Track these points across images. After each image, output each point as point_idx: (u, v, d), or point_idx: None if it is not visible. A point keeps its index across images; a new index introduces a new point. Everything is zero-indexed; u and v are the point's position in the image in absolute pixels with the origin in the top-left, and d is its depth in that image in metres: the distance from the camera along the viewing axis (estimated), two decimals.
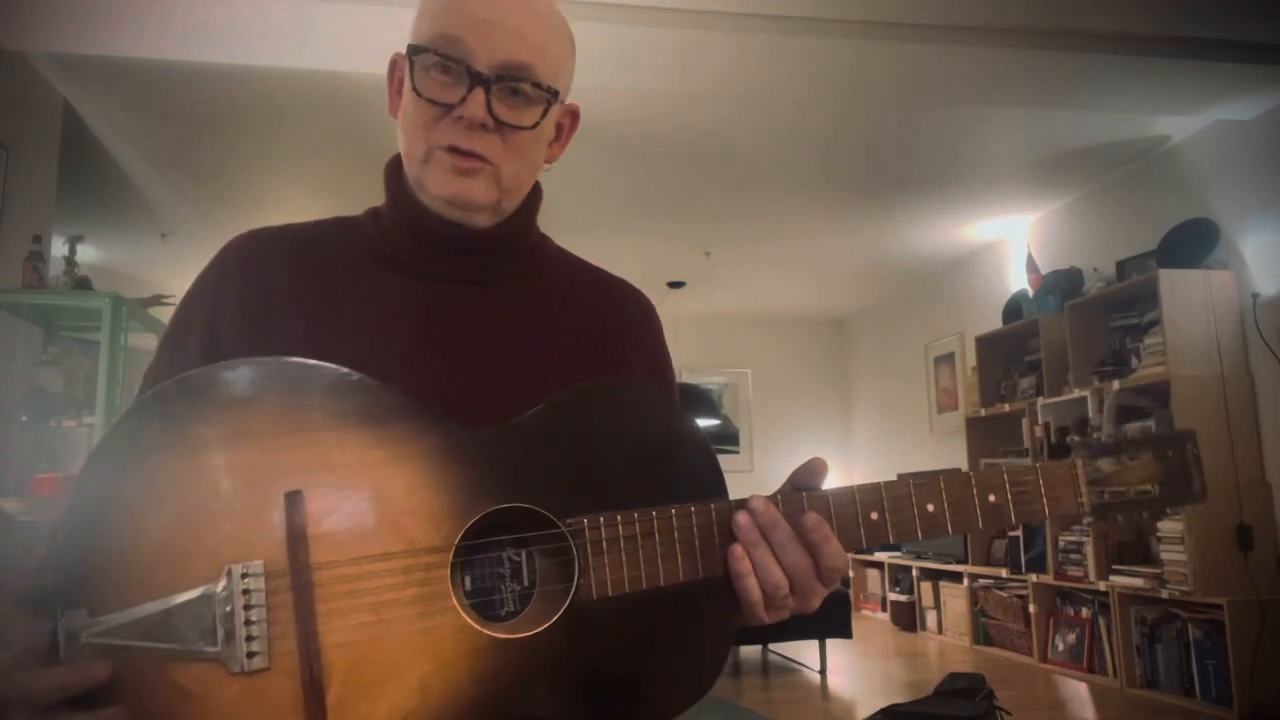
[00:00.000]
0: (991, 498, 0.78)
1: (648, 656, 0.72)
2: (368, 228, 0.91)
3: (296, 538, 0.66)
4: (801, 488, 0.77)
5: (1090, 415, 4.36)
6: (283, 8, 2.88)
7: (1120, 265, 4.42)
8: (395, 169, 0.90)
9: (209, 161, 4.42)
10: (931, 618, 5.76)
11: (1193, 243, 4.04)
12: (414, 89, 0.83)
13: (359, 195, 0.93)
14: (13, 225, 3.22)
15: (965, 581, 5.32)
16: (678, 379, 1.01)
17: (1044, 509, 0.79)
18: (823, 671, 4.44)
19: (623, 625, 0.72)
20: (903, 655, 5.18)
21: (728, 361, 7.68)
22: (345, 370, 0.72)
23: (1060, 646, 4.53)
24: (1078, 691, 4.11)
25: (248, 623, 0.64)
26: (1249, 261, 3.92)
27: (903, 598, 6.07)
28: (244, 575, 0.65)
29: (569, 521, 0.72)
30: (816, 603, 0.76)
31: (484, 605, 0.72)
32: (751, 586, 0.73)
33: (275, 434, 0.69)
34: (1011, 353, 5.34)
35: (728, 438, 7.70)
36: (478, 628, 0.69)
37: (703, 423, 7.25)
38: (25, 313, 3.26)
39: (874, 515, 0.76)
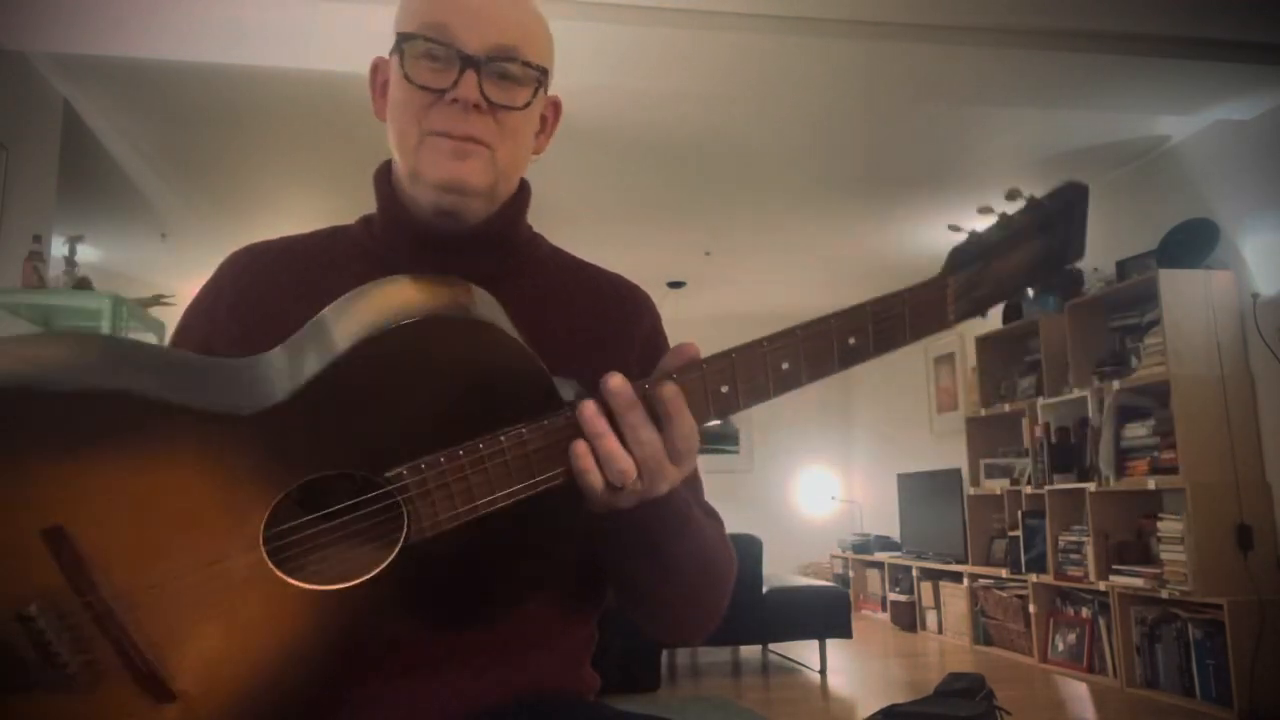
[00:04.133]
0: (852, 340, 0.72)
1: (492, 567, 0.71)
2: (360, 234, 0.93)
3: (66, 558, 0.62)
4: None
5: (1090, 415, 4.36)
6: (283, 8, 2.88)
7: (1120, 265, 4.42)
8: (384, 174, 0.91)
9: (209, 161, 4.42)
10: (931, 618, 5.76)
11: (1193, 243, 4.04)
12: (405, 76, 0.83)
13: (358, 195, 0.93)
14: (13, 225, 3.22)
15: (965, 581, 5.33)
16: None
17: (906, 337, 0.73)
18: (823, 671, 4.44)
19: (460, 550, 0.70)
20: (903, 655, 5.18)
21: None
22: (62, 374, 0.63)
23: (1060, 646, 4.53)
24: (1078, 691, 4.11)
25: (52, 655, 0.62)
26: (1249, 261, 3.92)
27: (903, 598, 6.07)
28: (28, 618, 0.61)
29: (388, 475, 0.67)
30: (665, 487, 0.71)
31: None
32: (594, 482, 0.68)
33: (7, 469, 0.62)
34: (1011, 353, 5.34)
35: (728, 438, 7.69)
36: (309, 587, 0.67)
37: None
38: (25, 313, 3.26)
39: (724, 389, 0.70)
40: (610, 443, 0.68)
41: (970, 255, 0.74)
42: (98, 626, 0.63)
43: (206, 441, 0.65)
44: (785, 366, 0.71)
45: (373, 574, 0.68)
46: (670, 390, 0.69)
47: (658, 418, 0.69)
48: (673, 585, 0.81)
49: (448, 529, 0.68)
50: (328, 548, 0.69)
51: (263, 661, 0.67)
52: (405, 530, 0.68)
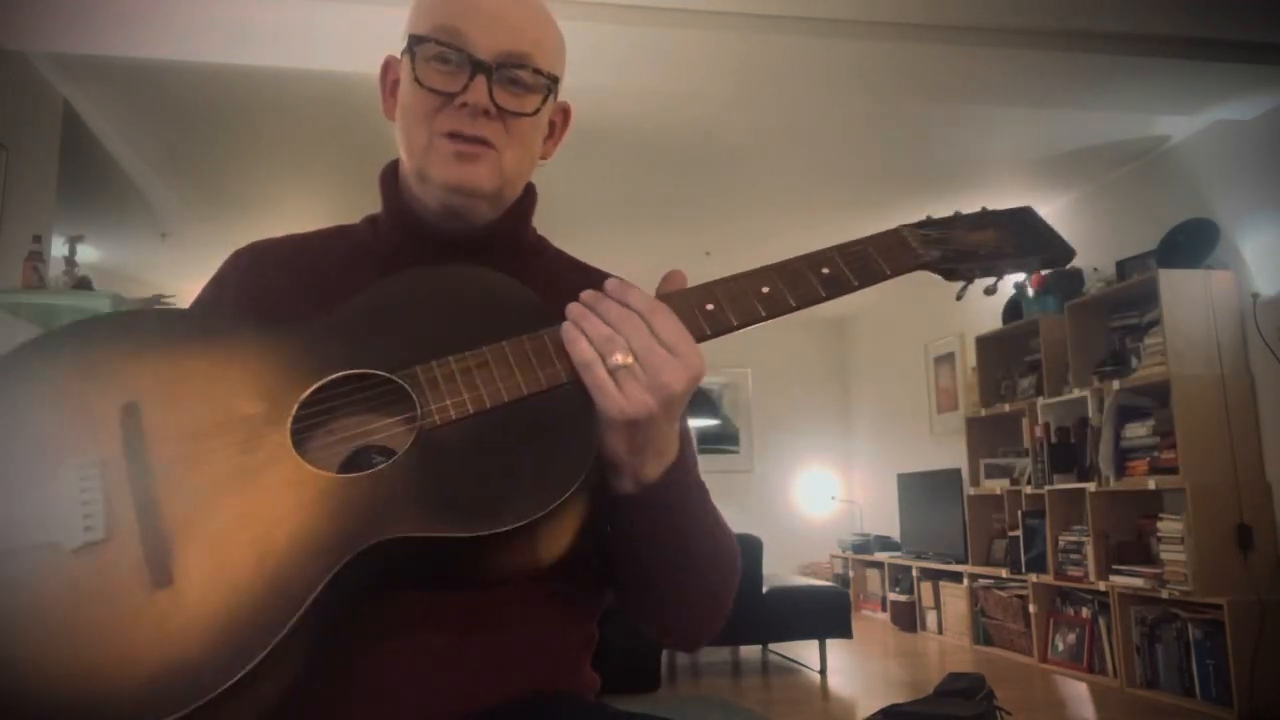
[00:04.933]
0: (825, 270, 0.78)
1: (507, 459, 0.72)
2: (364, 233, 0.93)
3: (131, 430, 0.71)
4: None
5: (1090, 415, 4.36)
6: (283, 8, 2.88)
7: (1120, 265, 4.42)
8: (390, 175, 0.92)
9: (209, 161, 4.42)
10: (931, 618, 5.76)
11: (1193, 243, 4.04)
12: (415, 79, 0.83)
13: (358, 195, 0.93)
14: (13, 225, 3.22)
15: (965, 581, 5.33)
16: None
17: (884, 269, 0.79)
18: (823, 671, 4.45)
19: (477, 440, 0.73)
20: (903, 655, 5.18)
21: (728, 361, 7.68)
22: (182, 310, 0.80)
23: (1060, 646, 4.53)
24: (1078, 691, 4.11)
25: (84, 502, 0.68)
26: (1249, 261, 3.92)
27: (903, 598, 6.07)
28: (80, 465, 0.70)
29: (402, 372, 0.74)
30: (670, 377, 0.72)
31: None
32: (583, 347, 0.72)
33: (113, 361, 0.75)
34: (1011, 353, 5.34)
35: (728, 438, 7.70)
36: (319, 471, 0.71)
37: (702, 422, 7.25)
38: (25, 313, 3.26)
39: (710, 306, 0.77)
40: (595, 321, 0.74)
41: (921, 224, 0.83)
42: (129, 476, 0.70)
43: (271, 344, 0.77)
44: (766, 290, 0.78)
45: (388, 463, 0.71)
46: (612, 281, 0.76)
47: (616, 299, 0.75)
48: (688, 573, 0.81)
49: (458, 418, 0.73)
50: (349, 441, 0.75)
51: (268, 553, 0.67)
52: (419, 414, 0.72)
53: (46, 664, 0.63)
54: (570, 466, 0.71)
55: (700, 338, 0.76)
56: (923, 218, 0.85)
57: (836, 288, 0.78)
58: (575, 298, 0.92)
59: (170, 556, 0.67)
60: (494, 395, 0.73)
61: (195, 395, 0.74)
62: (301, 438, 0.73)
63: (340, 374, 0.74)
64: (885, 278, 0.79)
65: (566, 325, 0.74)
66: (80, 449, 0.71)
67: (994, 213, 0.83)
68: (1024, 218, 0.83)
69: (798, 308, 0.77)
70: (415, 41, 0.84)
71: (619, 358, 0.72)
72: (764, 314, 0.77)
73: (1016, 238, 0.82)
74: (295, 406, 0.73)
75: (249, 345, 0.77)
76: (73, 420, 0.73)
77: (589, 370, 0.72)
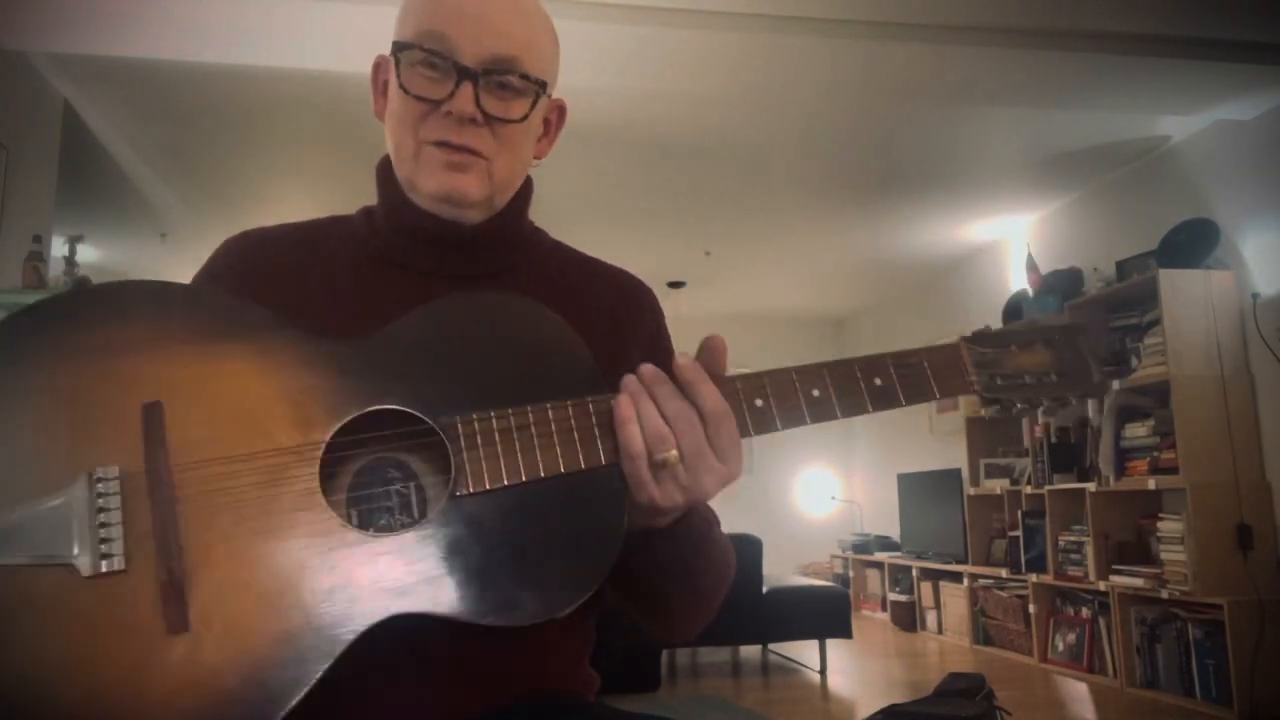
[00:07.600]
0: (878, 381, 0.77)
1: (533, 547, 0.71)
2: (361, 226, 0.92)
3: (153, 442, 0.67)
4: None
5: (1090, 415, 4.36)
6: (283, 8, 2.88)
7: (1120, 265, 4.42)
8: (386, 167, 0.90)
9: (209, 161, 4.42)
10: (931, 618, 5.76)
11: (1193, 243, 4.04)
12: (401, 86, 0.83)
13: (358, 195, 0.93)
14: (13, 225, 3.22)
15: (965, 581, 5.32)
16: None
17: (933, 390, 0.78)
18: (823, 671, 4.44)
19: (506, 517, 0.70)
20: (903, 655, 5.18)
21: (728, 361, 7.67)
22: (209, 290, 0.74)
23: (1060, 646, 4.53)
24: (1078, 691, 4.11)
25: (103, 525, 0.64)
26: (1249, 261, 3.92)
27: (903, 598, 6.07)
28: (99, 479, 0.65)
29: (441, 420, 0.71)
30: (709, 482, 0.73)
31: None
32: (634, 435, 0.71)
33: (135, 348, 0.70)
34: None
35: None
36: (348, 527, 0.69)
37: None
38: None
39: (759, 402, 0.76)
40: (651, 410, 0.72)
41: (978, 336, 0.81)
42: (150, 502, 0.65)
43: (307, 358, 0.72)
44: (815, 393, 0.77)
45: (414, 527, 0.69)
46: (684, 360, 0.74)
47: (683, 382, 0.73)
48: (692, 596, 0.83)
49: (494, 489, 0.70)
50: (378, 493, 0.73)
51: (285, 616, 0.66)
52: (453, 478, 0.70)
53: (56, 694, 0.62)
54: (598, 560, 0.71)
55: (743, 435, 0.74)
56: (979, 328, 0.83)
57: (884, 402, 0.77)
58: (575, 294, 0.91)
59: (186, 600, 0.64)
60: (531, 469, 0.71)
61: (226, 408, 0.70)
62: (329, 465, 0.70)
63: (377, 408, 0.72)
64: (932, 399, 0.79)
65: (622, 402, 0.72)
66: (100, 451, 0.66)
67: (1046, 327, 0.82)
68: (1074, 336, 0.82)
69: (842, 417, 0.76)
70: (399, 48, 0.83)
71: (667, 455, 0.71)
72: (809, 419, 0.76)
73: (1062, 361, 0.81)
74: (327, 438, 0.70)
75: (285, 356, 0.72)
76: (90, 409, 0.67)
77: (633, 463, 0.71)
